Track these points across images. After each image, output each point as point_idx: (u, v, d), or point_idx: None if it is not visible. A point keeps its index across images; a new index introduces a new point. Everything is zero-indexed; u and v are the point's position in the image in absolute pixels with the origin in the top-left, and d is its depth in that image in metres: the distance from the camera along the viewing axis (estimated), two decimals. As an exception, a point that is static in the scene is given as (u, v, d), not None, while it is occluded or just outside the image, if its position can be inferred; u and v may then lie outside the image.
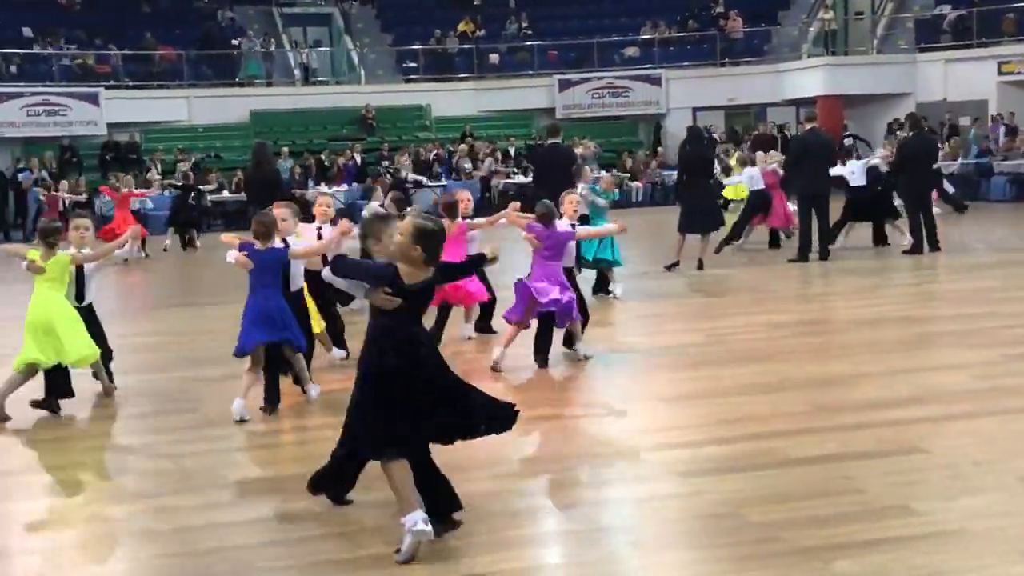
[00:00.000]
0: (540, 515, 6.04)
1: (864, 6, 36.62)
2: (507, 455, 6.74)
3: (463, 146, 32.49)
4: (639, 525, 5.82)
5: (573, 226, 9.99)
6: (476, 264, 6.13)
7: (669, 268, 15.92)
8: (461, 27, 37.02)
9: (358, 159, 31.49)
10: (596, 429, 7.81)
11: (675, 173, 23.13)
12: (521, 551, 5.50)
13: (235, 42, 35.27)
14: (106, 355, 9.23)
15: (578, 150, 25.08)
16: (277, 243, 8.33)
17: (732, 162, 22.02)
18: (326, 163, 31.34)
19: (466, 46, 36.38)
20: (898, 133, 27.63)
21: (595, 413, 8.35)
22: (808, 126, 17.34)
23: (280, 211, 8.65)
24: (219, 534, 5.83)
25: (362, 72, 35.84)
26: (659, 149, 33.97)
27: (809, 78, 33.63)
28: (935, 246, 16.94)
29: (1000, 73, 32.09)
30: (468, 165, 31.73)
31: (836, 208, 17.32)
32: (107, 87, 32.57)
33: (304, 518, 5.99)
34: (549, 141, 16.35)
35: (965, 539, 5.31)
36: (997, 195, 26.50)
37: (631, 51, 36.44)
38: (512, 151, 32.64)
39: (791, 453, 6.84)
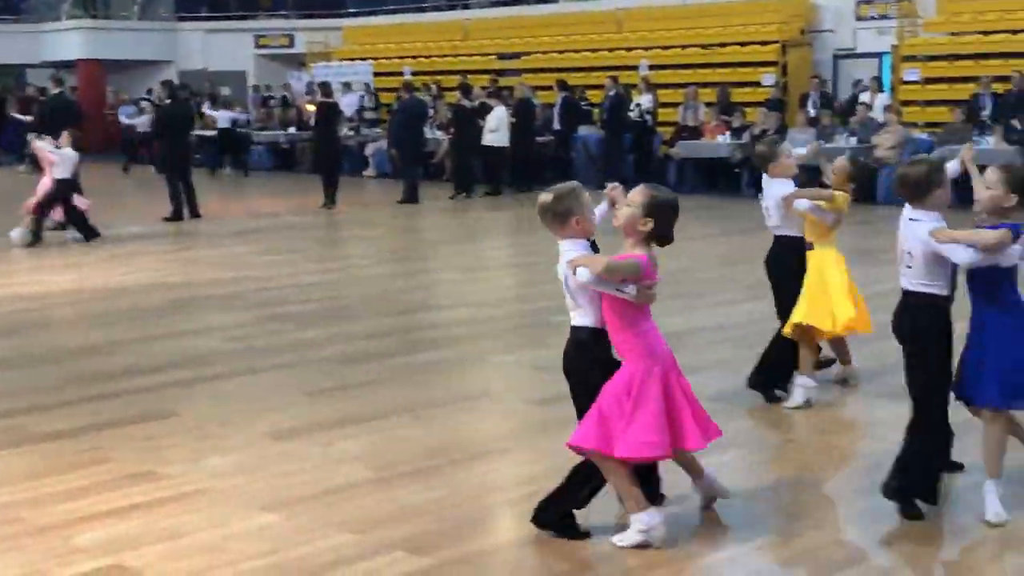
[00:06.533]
0: None
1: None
2: None
3: None
4: None
5: None
6: None
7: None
8: None
9: None
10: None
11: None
12: None
13: None
14: None
15: None
16: None
17: None
18: None
19: None
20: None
21: None
22: (56, 90, 16.89)
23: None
24: None
25: None
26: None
27: (68, 40, 32.55)
28: (195, 212, 17.25)
29: (257, 46, 33.44)
30: None
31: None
32: None
33: None
34: None
35: (209, 498, 5.45)
36: (256, 163, 27.47)
37: None
38: None
39: (39, 428, 6.57)
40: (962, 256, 4.92)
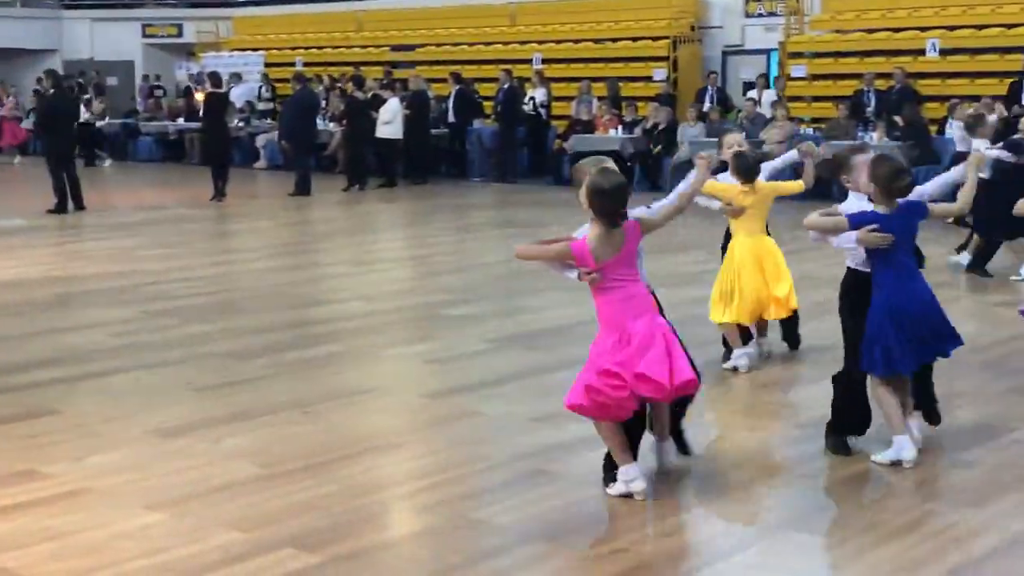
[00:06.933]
0: None
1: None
2: None
3: None
4: None
5: None
6: None
7: None
8: None
9: None
10: None
11: None
12: None
13: None
14: None
15: None
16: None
17: None
18: None
19: None
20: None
21: None
22: None
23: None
24: None
25: None
26: None
27: (-54, 27, 31.53)
28: (80, 204, 16.88)
29: (145, 35, 32.76)
30: None
31: None
32: None
33: None
34: None
35: (93, 497, 5.32)
36: (144, 155, 27.02)
37: None
38: None
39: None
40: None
